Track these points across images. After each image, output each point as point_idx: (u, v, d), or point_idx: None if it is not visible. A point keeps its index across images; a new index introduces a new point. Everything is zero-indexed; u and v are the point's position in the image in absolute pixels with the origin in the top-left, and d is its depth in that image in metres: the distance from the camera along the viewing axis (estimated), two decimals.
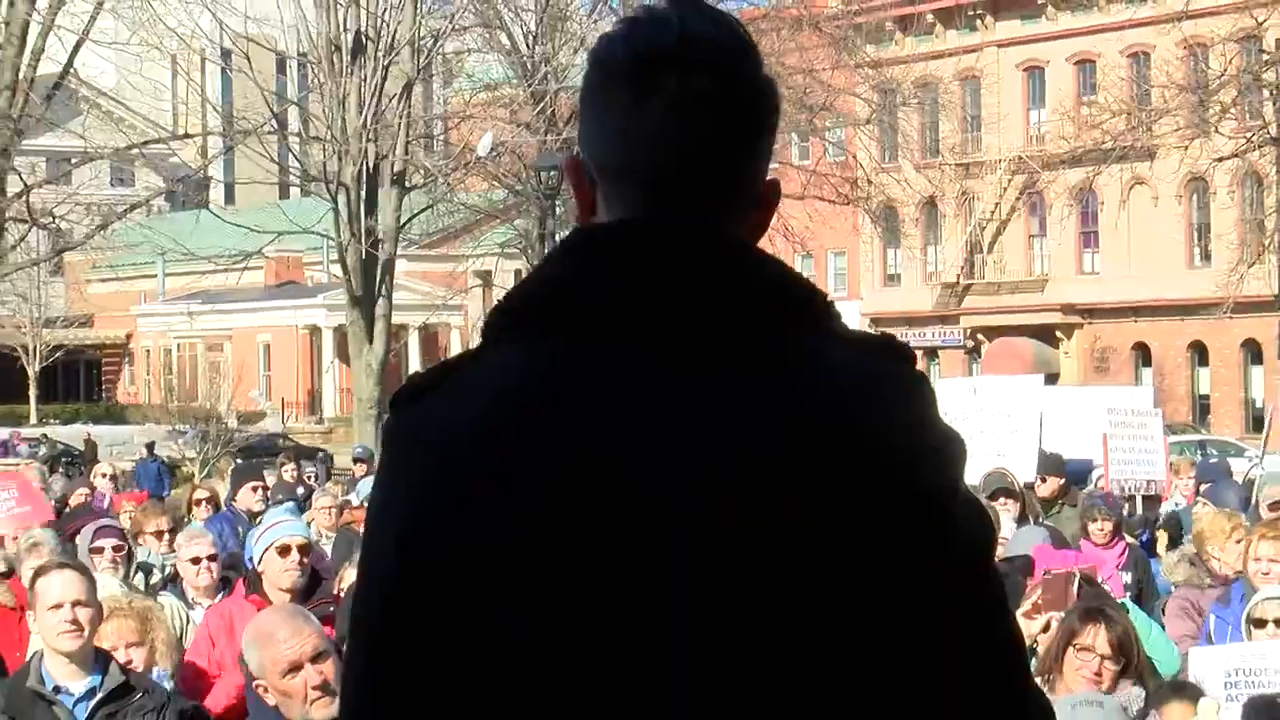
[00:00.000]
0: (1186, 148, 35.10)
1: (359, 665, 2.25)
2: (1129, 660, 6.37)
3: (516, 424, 2.15)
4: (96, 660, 6.39)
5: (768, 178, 2.33)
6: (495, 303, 2.27)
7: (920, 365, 2.32)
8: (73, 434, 51.26)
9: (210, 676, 7.56)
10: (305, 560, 8.22)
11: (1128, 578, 10.71)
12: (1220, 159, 33.71)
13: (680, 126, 2.23)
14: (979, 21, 59.91)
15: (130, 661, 6.78)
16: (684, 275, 2.18)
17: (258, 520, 11.11)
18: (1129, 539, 12.03)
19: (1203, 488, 14.75)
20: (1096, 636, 6.31)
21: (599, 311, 2.18)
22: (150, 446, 36.88)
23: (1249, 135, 31.61)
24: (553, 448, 2.13)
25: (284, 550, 8.13)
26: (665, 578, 2.10)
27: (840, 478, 2.13)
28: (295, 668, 5.30)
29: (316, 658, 5.33)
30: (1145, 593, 10.89)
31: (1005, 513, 11.18)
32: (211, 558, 9.20)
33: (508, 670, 2.12)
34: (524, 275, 2.33)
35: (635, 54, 2.25)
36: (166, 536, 11.11)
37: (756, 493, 2.11)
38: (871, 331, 2.33)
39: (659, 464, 2.11)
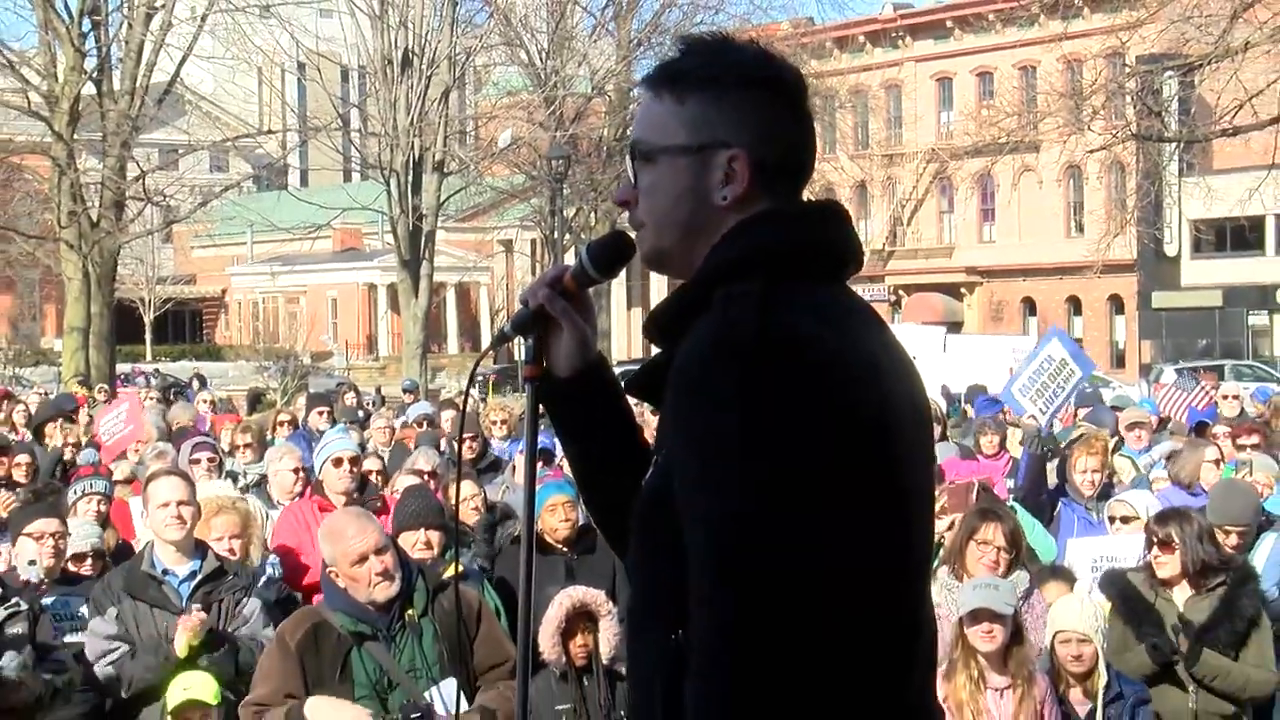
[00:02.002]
0: (1065, 142, 34.87)
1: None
2: (1017, 550, 6.35)
3: (869, 340, 2.23)
4: (197, 549, 6.39)
5: None
6: (770, 244, 2.22)
7: None
8: (180, 369, 51.05)
9: (299, 555, 7.50)
10: (355, 469, 8.21)
11: (1010, 483, 10.71)
12: (1092, 151, 33.43)
13: (812, 137, 2.35)
14: (900, 41, 59.68)
15: (232, 550, 6.79)
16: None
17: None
18: (1010, 452, 11.98)
19: (1082, 412, 14.71)
20: (993, 532, 6.28)
21: (847, 264, 2.30)
22: (185, 383, 36.73)
23: (1115, 132, 31.35)
24: (890, 360, 2.24)
25: (338, 462, 8.13)
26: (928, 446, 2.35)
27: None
28: (362, 558, 5.24)
29: (379, 550, 5.28)
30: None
31: None
32: (302, 469, 9.20)
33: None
34: (775, 229, 2.25)
35: (795, 79, 2.31)
36: (248, 453, 11.12)
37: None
38: None
39: (907, 370, 2.28)
